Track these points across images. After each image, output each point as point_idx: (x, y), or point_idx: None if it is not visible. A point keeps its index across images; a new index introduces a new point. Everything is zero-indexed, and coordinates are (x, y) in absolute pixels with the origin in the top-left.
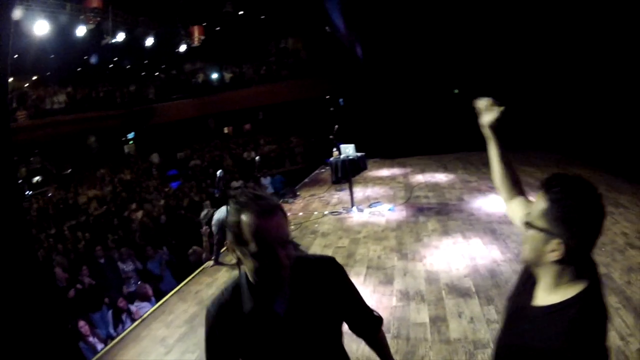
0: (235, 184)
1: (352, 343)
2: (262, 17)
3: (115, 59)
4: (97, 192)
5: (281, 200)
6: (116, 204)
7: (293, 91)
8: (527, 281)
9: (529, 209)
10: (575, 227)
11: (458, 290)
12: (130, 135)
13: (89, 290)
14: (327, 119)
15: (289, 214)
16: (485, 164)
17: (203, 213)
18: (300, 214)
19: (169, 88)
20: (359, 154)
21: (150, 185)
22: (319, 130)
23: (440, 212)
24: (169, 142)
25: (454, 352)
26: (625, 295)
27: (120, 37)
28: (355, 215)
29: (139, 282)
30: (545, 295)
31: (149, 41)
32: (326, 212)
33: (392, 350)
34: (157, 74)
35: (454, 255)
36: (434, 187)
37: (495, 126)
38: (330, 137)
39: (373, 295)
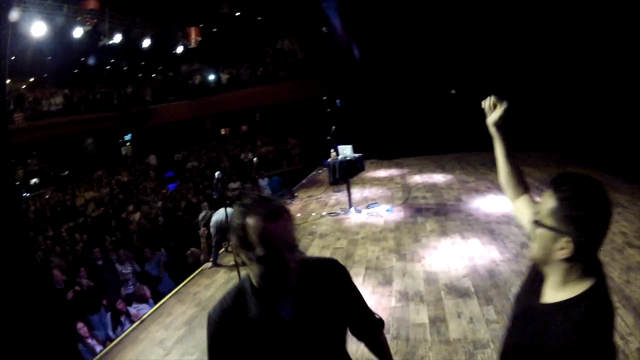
0: (232, 185)
1: (352, 345)
2: (259, 18)
3: (112, 60)
4: (94, 194)
5: None
6: (114, 206)
7: (290, 92)
8: (534, 280)
9: (535, 208)
10: (584, 225)
11: (457, 291)
12: (128, 137)
13: (87, 292)
14: (324, 120)
15: None
16: (483, 164)
17: (201, 215)
18: (298, 215)
19: (165, 89)
20: (356, 155)
21: (148, 187)
22: (316, 131)
23: (438, 213)
24: (166, 144)
25: (453, 352)
26: (625, 295)
27: (117, 38)
28: (353, 216)
29: (137, 284)
30: (554, 293)
31: (146, 43)
32: (324, 213)
33: (392, 351)
34: (154, 75)
35: (453, 256)
36: (432, 187)
37: (500, 124)
38: (328, 138)
39: (372, 296)
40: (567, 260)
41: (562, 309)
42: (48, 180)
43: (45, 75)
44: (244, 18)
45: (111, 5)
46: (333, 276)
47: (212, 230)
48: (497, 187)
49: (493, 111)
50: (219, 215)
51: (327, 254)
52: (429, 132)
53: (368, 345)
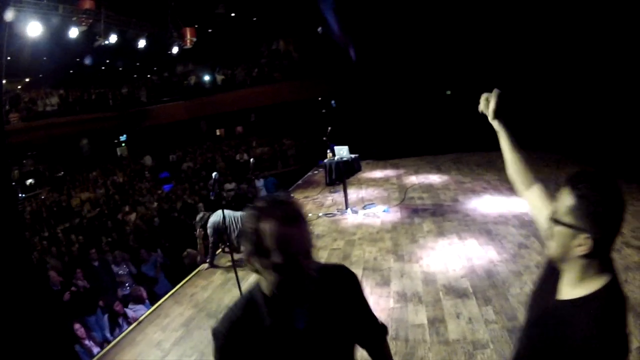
0: (228, 186)
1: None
2: (254, 18)
3: (108, 61)
4: (90, 195)
5: None
6: (109, 207)
7: (285, 93)
8: (549, 278)
9: (548, 201)
10: (602, 221)
11: (455, 291)
12: (123, 138)
13: (83, 293)
14: (319, 121)
15: None
16: (479, 164)
17: (199, 216)
18: None
19: (161, 90)
20: (352, 156)
21: (143, 188)
22: (311, 132)
23: (435, 213)
24: (161, 145)
25: (453, 352)
26: None
27: (113, 39)
28: (350, 217)
29: (133, 285)
30: (570, 289)
31: (141, 43)
32: (320, 214)
33: (391, 352)
34: (149, 76)
35: (451, 256)
36: (428, 188)
37: (500, 114)
38: (324, 138)
39: (370, 297)
40: (585, 256)
41: (581, 305)
42: (44, 180)
43: (41, 75)
44: (239, 19)
45: (107, 5)
46: (346, 283)
47: (209, 231)
48: (493, 188)
49: (489, 104)
50: (217, 216)
51: (324, 255)
52: (425, 133)
53: (370, 354)
